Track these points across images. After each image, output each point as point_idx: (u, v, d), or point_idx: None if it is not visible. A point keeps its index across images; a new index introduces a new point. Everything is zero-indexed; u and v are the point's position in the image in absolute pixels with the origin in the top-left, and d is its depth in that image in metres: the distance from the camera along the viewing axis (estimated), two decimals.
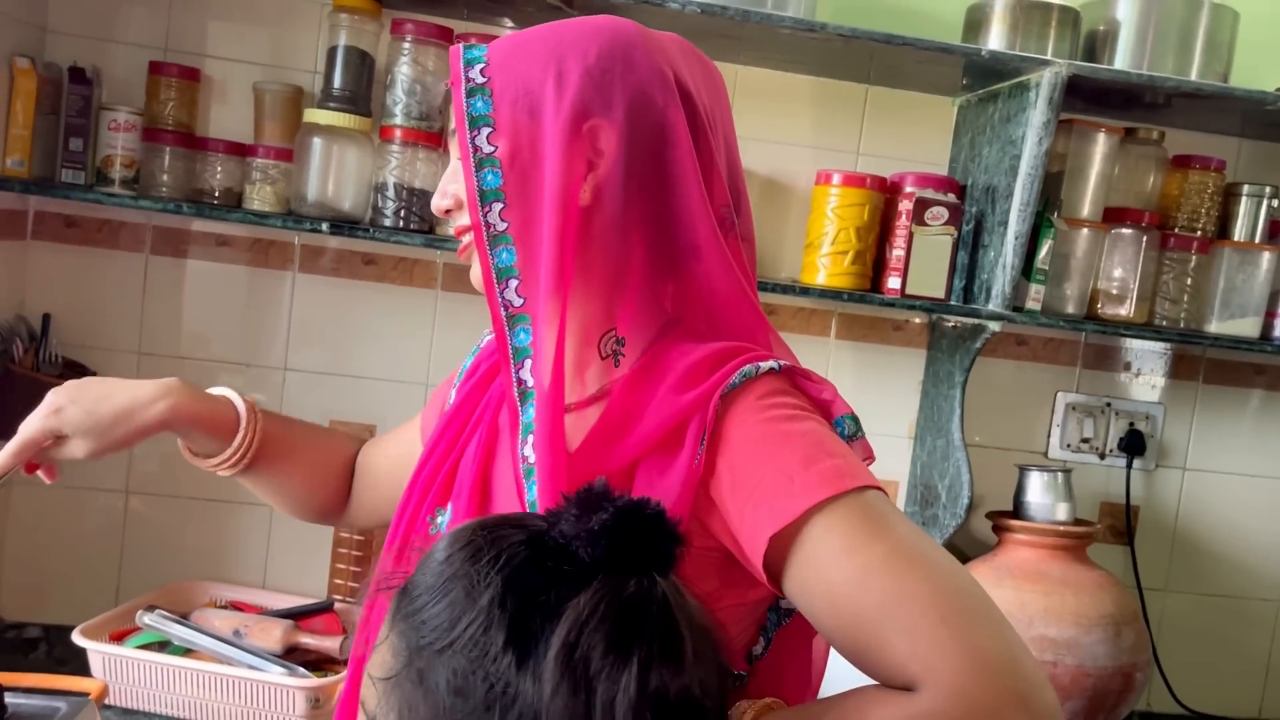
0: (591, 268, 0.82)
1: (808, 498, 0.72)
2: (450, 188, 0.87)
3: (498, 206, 0.81)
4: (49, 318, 1.55)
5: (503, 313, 0.82)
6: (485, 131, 0.81)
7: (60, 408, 0.97)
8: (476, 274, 0.85)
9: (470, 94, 0.81)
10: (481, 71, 0.82)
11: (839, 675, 0.93)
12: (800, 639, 0.86)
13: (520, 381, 0.81)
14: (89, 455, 0.98)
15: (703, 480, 0.77)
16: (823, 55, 1.59)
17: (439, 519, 0.90)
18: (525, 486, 0.80)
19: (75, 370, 1.57)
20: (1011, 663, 0.68)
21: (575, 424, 0.83)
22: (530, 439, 0.80)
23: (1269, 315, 1.69)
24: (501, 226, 0.81)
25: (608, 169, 0.80)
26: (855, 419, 0.82)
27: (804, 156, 1.70)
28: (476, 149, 0.80)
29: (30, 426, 0.96)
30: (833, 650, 0.88)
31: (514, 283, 0.81)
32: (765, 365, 0.79)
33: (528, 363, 0.81)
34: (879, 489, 0.75)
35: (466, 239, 0.86)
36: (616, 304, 0.83)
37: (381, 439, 1.16)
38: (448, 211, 0.88)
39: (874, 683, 0.72)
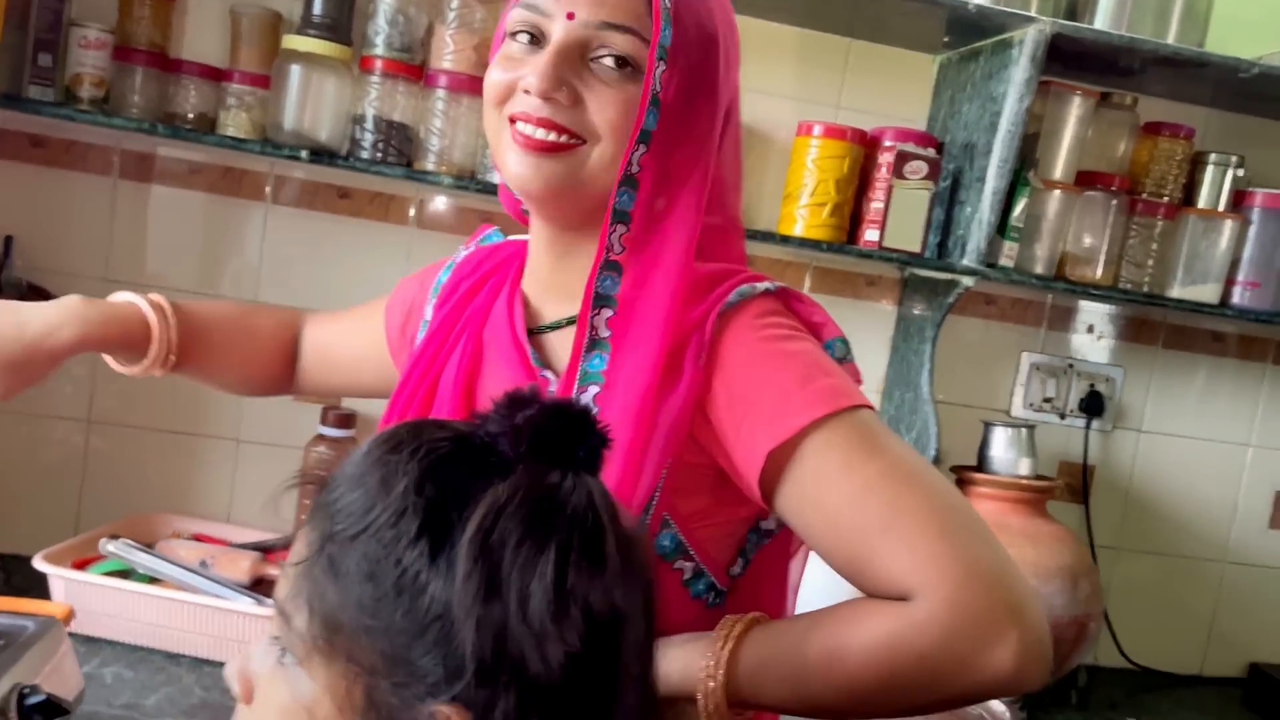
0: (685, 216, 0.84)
1: (805, 415, 0.73)
2: (569, 79, 0.78)
3: (642, 150, 0.78)
4: (11, 239, 1.51)
5: (605, 255, 0.80)
6: (661, 68, 0.78)
7: None
8: (543, 169, 0.79)
9: (665, 24, 0.78)
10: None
11: (812, 598, 0.95)
12: (777, 560, 0.88)
13: (593, 328, 0.80)
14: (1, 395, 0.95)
15: (699, 399, 0.77)
16: (807, 5, 1.59)
17: None
18: None
19: (38, 295, 1.53)
20: (1004, 576, 0.70)
21: (561, 342, 0.85)
22: (591, 388, 0.79)
23: (1228, 282, 1.73)
24: (635, 170, 0.79)
25: (729, 136, 0.84)
26: (845, 342, 0.84)
27: (785, 108, 1.70)
28: (656, 85, 0.78)
29: None
30: (805, 573, 0.90)
31: (621, 229, 0.80)
32: (761, 286, 0.80)
33: (605, 311, 0.80)
34: (872, 408, 0.76)
35: (548, 136, 0.79)
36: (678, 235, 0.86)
37: (330, 318, 1.15)
38: (553, 99, 0.78)
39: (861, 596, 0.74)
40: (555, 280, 0.87)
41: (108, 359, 1.03)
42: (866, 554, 0.72)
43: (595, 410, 0.58)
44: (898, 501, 0.71)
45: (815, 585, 0.91)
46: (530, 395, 0.58)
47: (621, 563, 0.55)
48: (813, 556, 0.85)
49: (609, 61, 0.78)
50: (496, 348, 0.87)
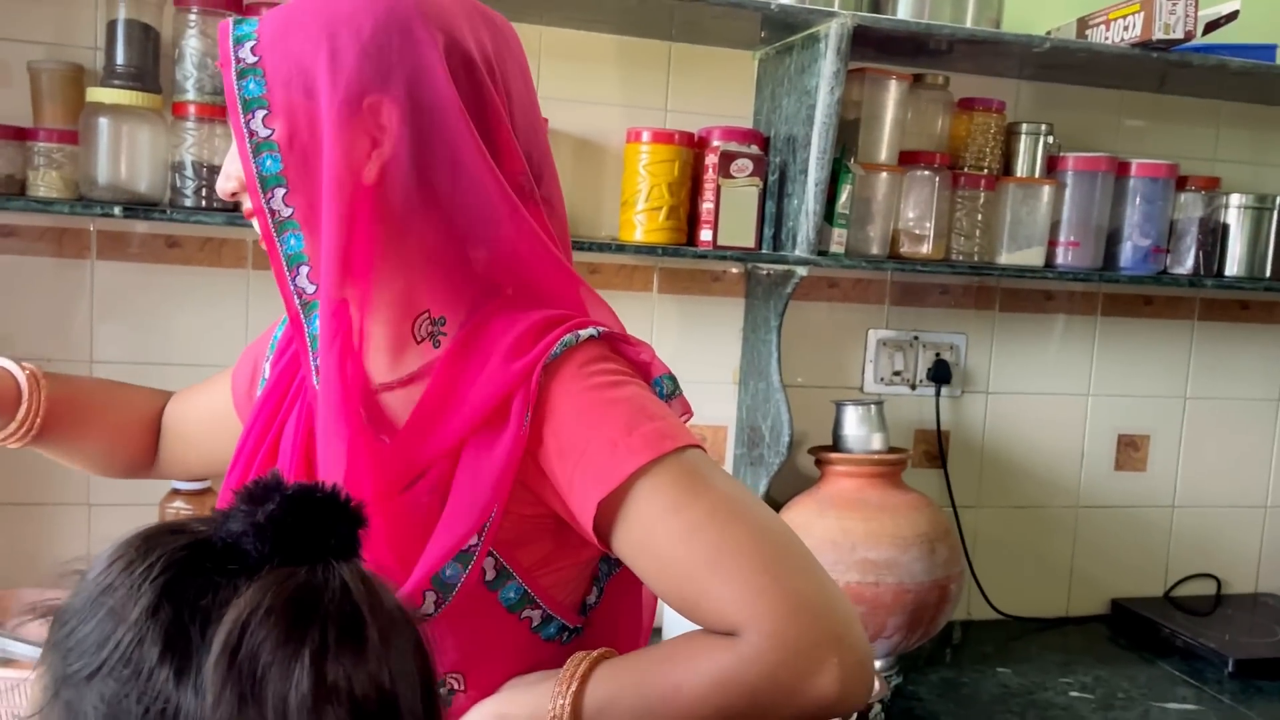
0: (389, 247, 0.80)
1: (631, 462, 0.75)
2: (233, 169, 0.83)
3: (280, 192, 0.78)
4: None
5: (296, 301, 0.80)
6: (260, 114, 0.78)
7: None
8: None
9: (241, 75, 0.78)
10: (252, 50, 0.79)
11: (675, 617, 0.97)
12: (631, 585, 0.90)
13: (318, 369, 0.80)
14: None
15: (530, 451, 0.78)
16: (623, 13, 1.61)
17: None
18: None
19: None
20: (826, 605, 0.74)
21: (401, 401, 0.83)
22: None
23: (1051, 244, 1.82)
24: (286, 212, 0.79)
25: (392, 145, 0.79)
26: (673, 378, 0.85)
27: (614, 115, 1.72)
28: (252, 133, 0.78)
29: None
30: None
31: (304, 269, 0.80)
32: (585, 333, 0.81)
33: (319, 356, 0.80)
34: (699, 447, 0.79)
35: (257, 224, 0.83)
36: (422, 283, 0.82)
37: (188, 392, 1.14)
38: (234, 194, 0.84)
39: (699, 628, 0.76)
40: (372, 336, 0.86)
41: None
42: (696, 592, 0.74)
43: (343, 493, 0.55)
44: (723, 539, 0.74)
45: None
46: (272, 485, 0.54)
47: (385, 640, 0.52)
48: None
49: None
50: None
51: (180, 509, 1.56)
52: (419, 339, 0.83)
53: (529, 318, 0.81)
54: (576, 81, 1.70)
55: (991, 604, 1.94)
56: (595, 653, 0.79)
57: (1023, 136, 1.81)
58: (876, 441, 1.72)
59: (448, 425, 0.79)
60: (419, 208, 0.80)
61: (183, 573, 0.52)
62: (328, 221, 0.77)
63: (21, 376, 1.01)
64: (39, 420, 1.01)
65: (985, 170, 1.80)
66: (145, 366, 1.59)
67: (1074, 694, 1.68)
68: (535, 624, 0.84)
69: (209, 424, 1.09)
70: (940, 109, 1.79)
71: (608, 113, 1.72)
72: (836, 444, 1.73)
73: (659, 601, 0.94)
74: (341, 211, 0.77)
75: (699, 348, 1.79)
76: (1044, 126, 1.81)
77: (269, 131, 0.78)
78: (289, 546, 0.53)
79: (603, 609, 0.89)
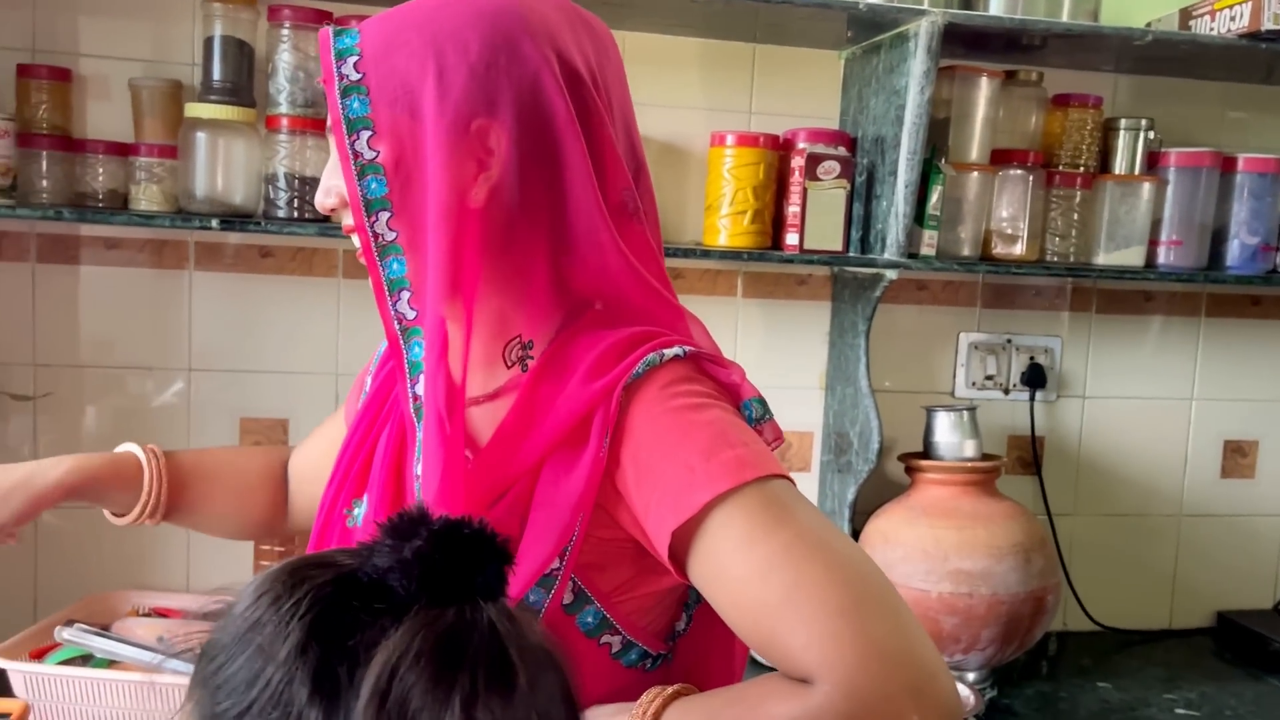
0: (491, 269, 0.78)
1: (708, 490, 0.71)
2: (334, 184, 0.82)
3: (384, 215, 0.77)
4: None
5: (396, 327, 0.79)
6: (365, 135, 0.76)
7: None
8: None
9: (345, 93, 0.76)
10: (356, 66, 0.77)
11: None
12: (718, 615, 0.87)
13: (416, 397, 0.80)
14: None
15: (608, 473, 0.76)
16: (708, 16, 1.60)
17: (355, 511, 0.89)
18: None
19: None
20: (907, 653, 0.68)
21: (485, 418, 0.82)
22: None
23: (1152, 243, 1.75)
24: (390, 236, 0.77)
25: (501, 169, 0.77)
26: (763, 402, 0.82)
27: (698, 119, 1.71)
28: (357, 154, 0.76)
29: None
30: None
31: (406, 295, 0.78)
32: (670, 352, 0.78)
33: (423, 379, 0.79)
34: (784, 477, 0.75)
35: (359, 241, 0.81)
36: (518, 306, 0.81)
37: (306, 441, 1.14)
38: (332, 210, 0.83)
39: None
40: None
41: (106, 514, 1.07)
42: (768, 632, 0.71)
43: (489, 528, 0.54)
44: (799, 577, 0.70)
45: None
46: (417, 518, 0.53)
47: (533, 682, 0.51)
48: None
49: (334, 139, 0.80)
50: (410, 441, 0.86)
51: None
52: (509, 364, 0.81)
53: (614, 335, 0.79)
54: (660, 86, 1.69)
55: (1089, 615, 1.88)
56: (671, 689, 0.75)
57: (1121, 132, 1.75)
58: (969, 448, 1.67)
59: (528, 444, 0.77)
60: (523, 230, 0.79)
61: (329, 610, 0.51)
62: (434, 247, 0.75)
63: (141, 454, 1.04)
64: (164, 493, 1.03)
65: (1081, 168, 1.74)
66: (241, 374, 1.63)
67: (1180, 710, 1.62)
68: (615, 650, 0.82)
69: (328, 465, 1.08)
70: (1034, 106, 1.74)
71: (691, 116, 1.71)
72: (927, 451, 1.69)
73: None
74: (448, 237, 0.75)
75: (784, 352, 1.77)
76: (1144, 121, 1.75)
77: (374, 154, 0.76)
78: (436, 585, 0.51)
79: (691, 637, 0.86)
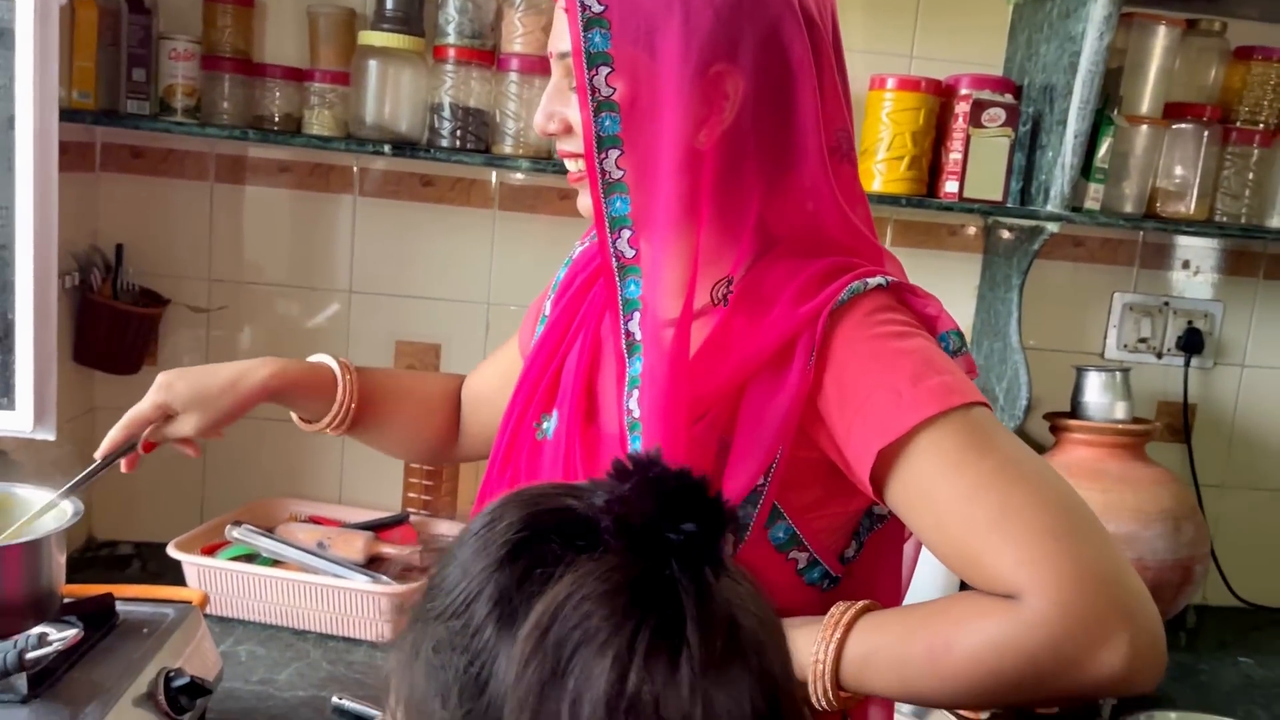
0: (715, 210, 0.79)
1: (916, 413, 0.73)
2: (559, 110, 0.83)
3: (614, 154, 0.78)
4: (122, 247, 1.59)
5: (614, 263, 0.80)
6: (604, 71, 0.76)
7: (169, 384, 1.01)
8: (585, 203, 0.84)
9: (588, 26, 0.76)
10: None
11: (924, 580, 0.96)
12: (892, 543, 0.89)
13: (629, 334, 0.81)
14: (198, 430, 1.03)
15: (810, 395, 0.78)
16: None
17: (544, 424, 0.91)
18: (629, 439, 0.80)
19: (150, 298, 1.61)
20: (1116, 576, 0.70)
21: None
22: (636, 393, 0.80)
23: None
24: (617, 174, 0.78)
25: (734, 115, 0.77)
26: (960, 334, 0.83)
27: (857, 61, 1.63)
28: (595, 90, 0.76)
29: (141, 404, 1.01)
30: (921, 556, 0.90)
31: (626, 233, 0.79)
32: (873, 281, 0.79)
33: (637, 315, 0.80)
34: (985, 404, 0.76)
35: (575, 167, 0.83)
36: (729, 245, 0.81)
37: (481, 367, 1.17)
38: (552, 134, 0.84)
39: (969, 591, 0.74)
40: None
41: (294, 417, 1.11)
42: (975, 552, 0.72)
43: (713, 487, 0.50)
44: (1008, 500, 0.71)
45: (928, 571, 0.92)
46: (644, 463, 0.50)
47: (710, 665, 0.46)
48: None
49: (573, 83, 0.79)
50: (613, 343, 0.87)
51: None
52: (715, 302, 0.82)
53: (816, 264, 0.80)
54: None
55: (1233, 590, 1.82)
56: (860, 603, 0.78)
57: None
58: (1120, 411, 1.63)
59: (730, 364, 0.79)
60: (748, 173, 0.79)
61: (531, 538, 0.50)
62: (665, 189, 0.76)
63: (337, 367, 1.07)
64: (354, 405, 1.07)
65: (1261, 125, 1.66)
66: (397, 299, 1.69)
67: None
68: (800, 566, 0.84)
69: (504, 390, 1.10)
70: (1214, 57, 1.66)
71: (851, 59, 1.67)
72: (1075, 411, 1.66)
73: (915, 565, 0.93)
74: (680, 179, 0.76)
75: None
76: None
77: (611, 90, 0.76)
78: (632, 532, 0.48)
79: (861, 563, 0.88)
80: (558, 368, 0.92)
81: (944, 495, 0.73)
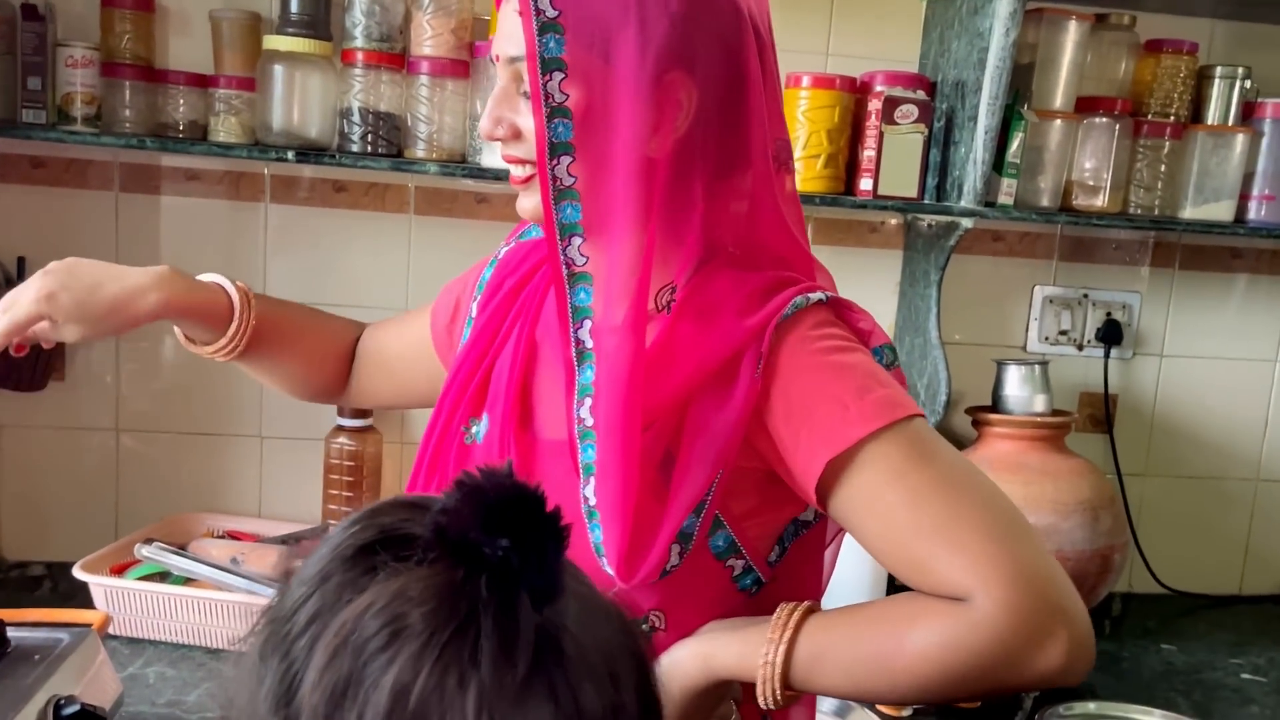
0: (664, 218, 0.79)
1: (863, 426, 0.76)
2: (507, 115, 0.82)
3: (566, 160, 0.77)
4: (24, 260, 1.55)
5: (564, 271, 0.79)
6: (558, 77, 0.76)
7: (52, 293, 0.95)
8: (527, 205, 0.83)
9: (542, 30, 0.75)
10: (552, 3, 0.75)
11: (841, 582, 0.97)
12: (814, 548, 0.90)
13: (579, 342, 0.80)
14: (78, 340, 0.99)
15: (756, 406, 0.79)
16: None
17: (474, 429, 0.91)
18: (581, 449, 0.80)
19: None
20: (1052, 577, 0.74)
21: None
22: (588, 401, 0.80)
23: (1243, 198, 1.69)
24: (569, 181, 0.78)
25: (687, 122, 0.78)
26: (893, 349, 0.85)
27: None
28: (549, 96, 0.76)
29: (20, 309, 0.95)
30: (837, 562, 0.92)
31: (577, 241, 0.79)
32: (814, 296, 0.81)
33: (587, 323, 0.80)
34: (923, 416, 0.79)
35: (520, 171, 0.83)
36: (674, 253, 0.81)
37: (385, 324, 1.16)
38: (497, 139, 0.83)
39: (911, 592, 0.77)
40: None
41: (178, 333, 1.06)
42: (922, 557, 0.76)
43: (541, 494, 0.48)
44: (950, 507, 0.75)
45: (844, 576, 0.96)
46: (481, 475, 0.48)
47: (505, 688, 0.44)
48: (846, 545, 0.88)
49: (526, 89, 0.79)
50: (550, 345, 0.88)
51: (344, 445, 1.64)
52: (658, 309, 0.82)
53: (756, 277, 0.81)
54: None
55: (1156, 577, 1.84)
56: (804, 604, 0.80)
57: (1216, 81, 1.68)
58: (1039, 403, 1.65)
59: (676, 376, 0.79)
60: (696, 180, 0.80)
61: (365, 548, 0.49)
62: (619, 196, 0.76)
63: (234, 293, 1.04)
64: (247, 336, 1.04)
65: (1172, 118, 1.68)
66: (312, 306, 1.65)
67: (1245, 676, 1.59)
68: (736, 573, 0.85)
69: (406, 356, 1.11)
70: (1124, 51, 1.68)
71: None
72: (996, 405, 1.67)
73: (834, 568, 0.94)
74: (632, 185, 0.76)
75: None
76: (1240, 70, 1.67)
77: (564, 96, 0.76)
78: (451, 546, 0.47)
79: (785, 567, 0.89)
80: (487, 371, 0.91)
81: (889, 503, 0.76)
